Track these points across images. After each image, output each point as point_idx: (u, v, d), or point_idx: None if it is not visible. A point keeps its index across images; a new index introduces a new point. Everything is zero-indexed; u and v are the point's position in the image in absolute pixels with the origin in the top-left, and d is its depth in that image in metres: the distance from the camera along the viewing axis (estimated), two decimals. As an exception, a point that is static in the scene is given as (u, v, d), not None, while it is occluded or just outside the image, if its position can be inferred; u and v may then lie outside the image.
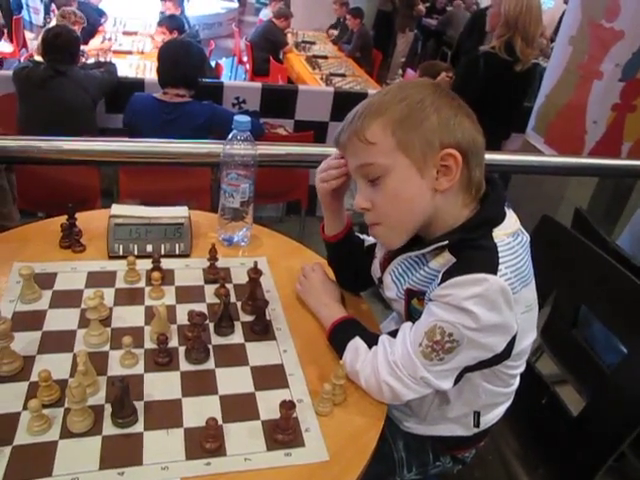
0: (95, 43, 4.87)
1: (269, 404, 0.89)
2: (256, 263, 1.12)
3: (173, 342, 1.00)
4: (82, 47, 3.49)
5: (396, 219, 0.95)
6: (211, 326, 1.05)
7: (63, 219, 1.23)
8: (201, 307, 1.10)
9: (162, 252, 1.22)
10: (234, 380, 0.95)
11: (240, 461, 0.81)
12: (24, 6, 8.18)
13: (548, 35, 7.12)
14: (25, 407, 0.83)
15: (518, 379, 1.10)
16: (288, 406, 0.83)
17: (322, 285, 1.14)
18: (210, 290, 1.16)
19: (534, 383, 1.38)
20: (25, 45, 5.71)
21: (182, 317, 1.04)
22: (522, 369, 1.06)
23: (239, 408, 0.89)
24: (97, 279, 1.14)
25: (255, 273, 1.11)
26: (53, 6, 5.08)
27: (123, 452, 0.80)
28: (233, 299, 1.13)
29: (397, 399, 0.94)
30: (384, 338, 0.97)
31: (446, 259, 0.91)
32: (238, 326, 1.07)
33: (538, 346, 1.70)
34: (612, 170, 2.34)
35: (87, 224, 1.26)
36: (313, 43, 6.51)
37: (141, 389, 0.90)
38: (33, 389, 0.87)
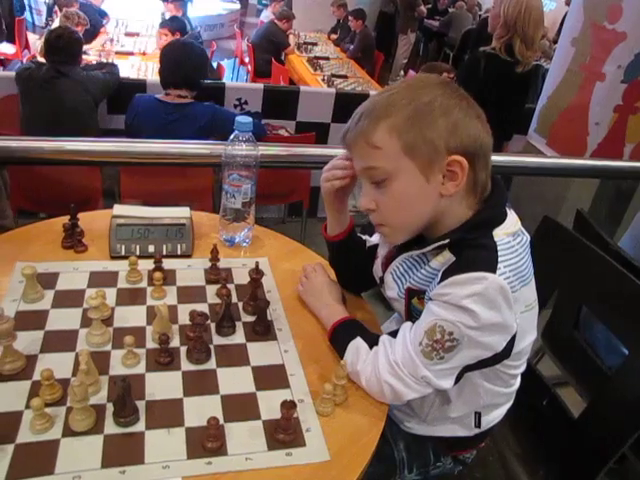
0: (97, 44, 4.88)
1: (270, 404, 0.90)
2: (257, 264, 1.12)
3: (175, 342, 1.01)
4: (84, 47, 3.50)
5: (400, 221, 0.96)
6: (212, 326, 1.05)
7: (65, 219, 1.23)
8: (203, 307, 1.10)
9: (164, 252, 1.23)
10: (235, 380, 0.95)
11: (241, 461, 0.81)
12: (27, 7, 8.20)
13: (551, 37, 7.12)
14: (28, 406, 0.84)
15: (519, 380, 1.10)
16: (289, 406, 0.83)
17: (323, 286, 1.15)
18: (212, 290, 1.16)
19: (535, 384, 1.39)
20: (28, 46, 5.72)
21: (184, 317, 1.05)
22: (522, 369, 1.07)
23: (240, 408, 0.90)
24: (99, 279, 1.15)
25: (256, 274, 1.11)
26: (56, 7, 5.09)
27: (125, 451, 0.81)
28: (234, 299, 1.14)
29: (398, 399, 0.94)
30: (384, 338, 0.98)
31: (446, 258, 0.92)
32: (239, 326, 1.07)
33: (539, 347, 1.70)
34: (614, 172, 2.34)
35: (89, 224, 1.26)
36: (315, 44, 6.52)
37: (143, 388, 0.90)
38: (35, 388, 0.87)
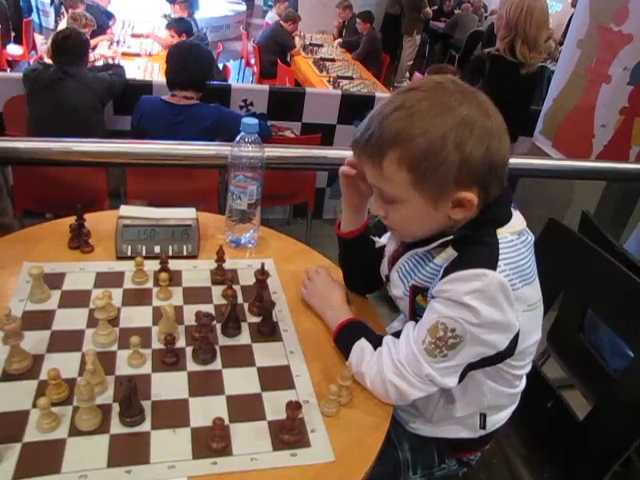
0: (104, 45, 4.89)
1: (275, 405, 0.90)
2: (263, 265, 1.12)
3: (180, 342, 1.01)
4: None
5: (409, 232, 0.98)
6: (218, 327, 1.06)
7: (72, 220, 1.24)
8: (208, 308, 1.11)
9: (170, 253, 1.23)
10: (241, 380, 0.95)
11: (246, 461, 0.82)
12: (34, 9, 8.24)
13: (557, 38, 7.11)
14: (34, 405, 0.84)
15: (524, 381, 1.10)
16: (294, 407, 0.83)
17: (327, 287, 1.15)
18: (217, 291, 1.16)
19: (540, 387, 1.38)
20: (35, 47, 5.75)
21: (189, 318, 1.05)
22: (527, 370, 1.06)
23: (245, 408, 0.90)
24: (105, 279, 1.15)
25: (262, 275, 1.11)
26: (63, 9, 5.11)
27: (130, 450, 0.81)
28: (240, 300, 1.14)
29: (403, 399, 0.94)
30: (388, 339, 0.98)
31: (449, 254, 0.92)
32: (245, 327, 1.08)
33: (544, 350, 1.70)
34: (620, 174, 2.34)
35: (95, 225, 1.27)
36: (321, 46, 6.52)
37: (148, 388, 0.91)
38: (42, 387, 0.87)
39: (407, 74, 8.11)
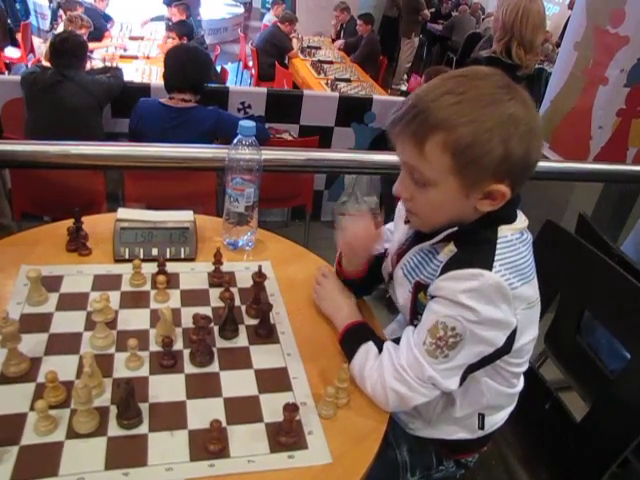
0: (101, 48, 4.90)
1: (273, 407, 0.90)
2: (260, 267, 1.12)
3: (178, 345, 1.01)
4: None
5: (432, 218, 0.95)
6: (216, 329, 1.06)
7: (70, 223, 1.24)
8: (206, 310, 1.11)
9: (167, 256, 1.23)
10: (238, 383, 0.96)
11: (243, 463, 0.82)
12: (32, 12, 8.24)
13: (554, 41, 7.13)
14: (32, 408, 0.84)
15: (522, 382, 1.10)
16: (291, 409, 0.83)
17: (337, 290, 1.14)
18: (215, 294, 1.16)
19: (538, 388, 1.39)
20: (33, 50, 5.75)
21: (187, 320, 1.05)
22: (525, 368, 1.06)
23: (243, 410, 0.90)
24: (103, 282, 1.15)
25: (259, 277, 1.11)
26: (60, 12, 5.11)
27: (128, 453, 0.81)
28: (237, 303, 1.14)
29: (404, 404, 0.94)
30: (389, 345, 0.98)
31: (450, 250, 0.93)
32: (242, 329, 1.08)
33: (542, 351, 1.70)
34: (617, 175, 2.34)
35: (93, 228, 1.27)
36: (318, 48, 6.53)
37: (146, 391, 0.91)
38: (40, 390, 0.87)
39: (405, 76, 8.13)
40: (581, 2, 2.78)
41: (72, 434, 0.82)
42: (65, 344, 0.99)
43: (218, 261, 1.20)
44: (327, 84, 5.11)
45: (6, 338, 0.90)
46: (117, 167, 2.06)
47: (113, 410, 0.86)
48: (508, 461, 1.37)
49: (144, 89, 3.24)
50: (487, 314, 0.86)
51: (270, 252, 1.34)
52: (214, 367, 0.98)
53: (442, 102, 0.85)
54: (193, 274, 1.22)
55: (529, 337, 1.00)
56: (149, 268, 1.17)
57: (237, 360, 1.00)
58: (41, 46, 5.21)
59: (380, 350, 0.98)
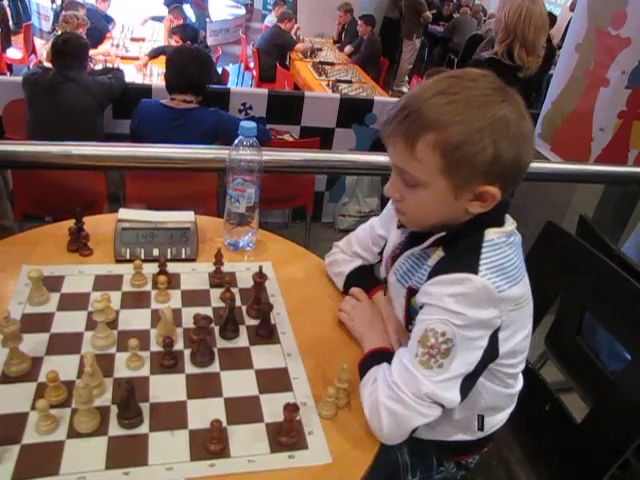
0: (103, 49, 4.90)
1: (273, 407, 0.90)
2: (261, 268, 1.13)
3: (178, 345, 1.01)
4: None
5: (421, 218, 0.96)
6: (216, 329, 1.06)
7: (71, 223, 1.24)
8: (206, 311, 1.11)
9: (168, 256, 1.24)
10: (239, 383, 0.96)
11: (244, 463, 0.82)
12: (34, 13, 8.24)
13: (555, 42, 7.12)
14: (33, 407, 0.84)
15: (520, 382, 1.09)
16: (292, 409, 0.83)
17: (374, 314, 1.12)
18: (215, 294, 1.17)
19: (538, 389, 1.39)
20: (34, 51, 5.76)
21: (188, 320, 1.05)
22: (521, 368, 1.06)
23: (243, 410, 0.90)
24: (104, 282, 1.16)
25: (260, 277, 1.12)
26: (63, 13, 5.12)
27: (128, 452, 0.81)
28: (238, 303, 1.14)
29: (400, 427, 0.88)
30: (384, 366, 0.94)
31: (438, 255, 0.93)
32: (243, 330, 1.08)
33: (542, 352, 1.70)
34: (618, 177, 2.35)
35: (94, 228, 1.27)
36: (320, 49, 6.54)
37: (147, 391, 0.91)
38: (41, 390, 0.88)
39: (406, 78, 8.14)
40: (582, 4, 2.78)
41: (73, 433, 0.83)
42: (66, 344, 0.99)
43: (219, 261, 1.20)
44: (328, 85, 5.11)
45: (7, 338, 0.90)
46: (118, 168, 2.07)
47: (114, 410, 0.86)
48: (508, 462, 1.37)
49: (145, 90, 3.24)
50: (474, 316, 0.85)
51: (271, 253, 1.34)
52: (215, 367, 0.98)
53: (434, 102, 0.85)
54: (194, 274, 1.22)
55: (521, 336, 0.98)
56: (150, 268, 1.18)
57: (238, 360, 1.01)
58: (42, 47, 5.20)
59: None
